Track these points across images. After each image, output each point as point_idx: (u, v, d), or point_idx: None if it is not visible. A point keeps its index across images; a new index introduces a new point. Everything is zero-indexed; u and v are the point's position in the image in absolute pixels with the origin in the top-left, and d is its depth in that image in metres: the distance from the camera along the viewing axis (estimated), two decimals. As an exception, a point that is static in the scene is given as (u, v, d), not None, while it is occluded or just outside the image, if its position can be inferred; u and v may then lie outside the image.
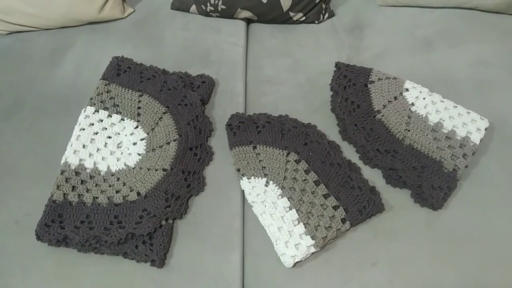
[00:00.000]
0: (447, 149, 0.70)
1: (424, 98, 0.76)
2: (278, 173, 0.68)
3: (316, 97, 0.81)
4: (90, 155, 0.70)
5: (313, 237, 0.63)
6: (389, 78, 0.79)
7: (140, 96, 0.77)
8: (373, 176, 0.71)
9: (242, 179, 0.69)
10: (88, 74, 0.84)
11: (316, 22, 0.96)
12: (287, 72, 0.86)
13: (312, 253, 0.62)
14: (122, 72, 0.80)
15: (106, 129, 0.73)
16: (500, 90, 0.81)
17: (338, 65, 0.82)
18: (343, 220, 0.64)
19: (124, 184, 0.67)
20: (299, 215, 0.65)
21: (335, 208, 0.65)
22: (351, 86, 0.79)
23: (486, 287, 0.60)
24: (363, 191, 0.67)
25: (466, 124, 0.73)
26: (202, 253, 0.63)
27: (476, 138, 0.71)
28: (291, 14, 0.93)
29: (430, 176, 0.68)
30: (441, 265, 0.62)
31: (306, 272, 0.62)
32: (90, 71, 0.84)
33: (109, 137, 0.73)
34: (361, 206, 0.65)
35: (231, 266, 0.62)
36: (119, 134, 0.73)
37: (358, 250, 0.63)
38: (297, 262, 0.62)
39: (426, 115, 0.74)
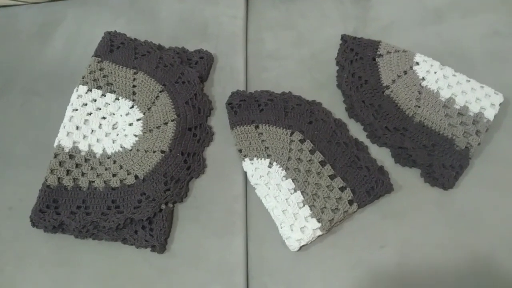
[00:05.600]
0: (459, 126, 0.67)
1: (435, 72, 0.72)
2: (282, 154, 0.66)
3: (321, 72, 0.77)
4: (84, 137, 0.67)
5: (319, 220, 0.60)
6: (398, 51, 0.75)
7: (135, 73, 0.73)
8: (381, 155, 0.68)
9: (244, 160, 0.66)
10: (79, 51, 0.80)
11: (320, -9, 0.90)
12: (290, 46, 0.81)
13: (318, 236, 0.60)
14: (115, 48, 0.76)
15: (100, 109, 0.70)
16: (516, 63, 0.77)
17: (344, 38, 0.78)
18: (350, 202, 0.62)
19: (121, 167, 0.65)
20: (304, 197, 0.62)
21: (341, 189, 0.62)
22: (358, 60, 0.75)
23: (498, 269, 0.58)
24: (371, 171, 0.64)
25: (480, 99, 0.69)
26: (204, 237, 0.61)
27: (490, 114, 0.68)
28: (294, -17, 0.87)
29: (441, 155, 0.65)
30: (452, 246, 0.60)
31: (312, 256, 0.60)
32: (82, 48, 0.80)
33: (104, 118, 0.69)
34: (369, 186, 0.63)
35: (234, 251, 0.60)
36: (114, 114, 0.70)
37: (365, 232, 0.61)
38: (303, 246, 0.60)
39: (438, 90, 0.70)
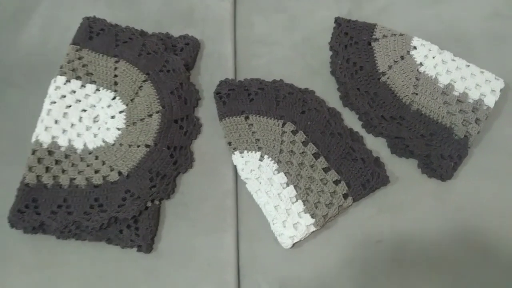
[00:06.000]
0: (458, 113, 0.64)
1: (433, 57, 0.69)
2: (274, 146, 0.63)
3: (314, 58, 0.73)
4: (64, 131, 0.63)
5: (312, 215, 0.58)
6: (395, 34, 0.71)
7: (116, 62, 0.68)
8: (377, 145, 0.65)
9: (234, 154, 0.63)
10: (57, 38, 0.75)
11: (312, -29, 0.85)
12: (281, 30, 0.77)
13: (312, 232, 0.58)
14: (94, 35, 0.71)
15: (80, 101, 0.66)
16: (517, 46, 0.73)
17: (338, 21, 0.74)
18: (345, 196, 0.59)
19: (104, 163, 0.61)
20: (297, 191, 0.60)
21: (336, 182, 0.60)
22: (353, 45, 0.71)
23: (498, 262, 0.57)
24: (367, 163, 0.61)
25: (480, 85, 0.66)
26: (193, 235, 0.59)
27: (490, 100, 0.65)
28: (284, -38, 0.82)
29: (439, 144, 0.63)
30: (451, 240, 0.58)
31: (306, 253, 0.58)
32: (59, 35, 0.75)
33: (84, 110, 0.65)
34: (364, 179, 0.60)
35: (225, 248, 0.58)
36: (94, 106, 0.66)
37: (361, 227, 0.59)
38: (296, 242, 0.58)
39: (436, 76, 0.67)
